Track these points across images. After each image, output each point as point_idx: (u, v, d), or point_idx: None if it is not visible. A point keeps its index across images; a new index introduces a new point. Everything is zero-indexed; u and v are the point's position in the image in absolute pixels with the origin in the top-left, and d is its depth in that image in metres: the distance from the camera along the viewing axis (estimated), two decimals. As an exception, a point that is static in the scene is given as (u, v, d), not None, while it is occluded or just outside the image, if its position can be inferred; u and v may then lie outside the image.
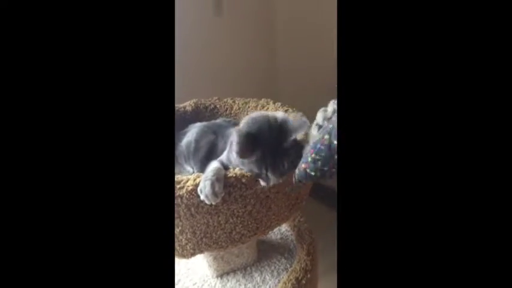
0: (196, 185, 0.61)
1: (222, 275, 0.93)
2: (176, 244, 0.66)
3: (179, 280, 0.94)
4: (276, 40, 1.52)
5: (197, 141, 0.84)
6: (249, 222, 0.66)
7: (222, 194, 0.60)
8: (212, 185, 0.58)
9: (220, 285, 0.90)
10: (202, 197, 0.59)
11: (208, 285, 0.91)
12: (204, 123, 0.91)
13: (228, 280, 0.92)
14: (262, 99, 1.02)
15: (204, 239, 0.65)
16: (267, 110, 0.99)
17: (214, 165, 0.65)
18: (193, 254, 0.67)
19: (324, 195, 1.70)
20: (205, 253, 0.89)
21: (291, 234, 1.08)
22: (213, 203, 0.59)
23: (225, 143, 0.80)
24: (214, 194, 0.58)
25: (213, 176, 0.60)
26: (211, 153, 0.78)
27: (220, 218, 0.64)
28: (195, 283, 0.92)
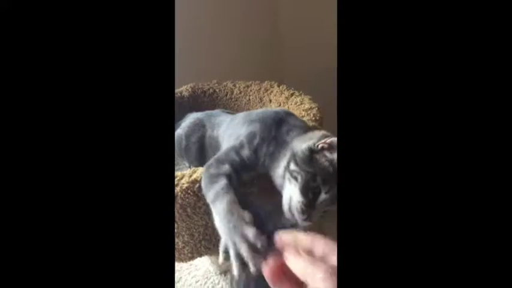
0: (193, 182, 0.54)
1: (225, 271, 0.87)
2: (172, 248, 0.60)
3: (180, 278, 0.89)
4: (279, 15, 1.41)
5: (188, 137, 0.77)
6: (253, 222, 0.59)
7: (264, 242, 0.40)
8: (251, 248, 0.40)
9: (224, 283, 0.85)
10: (232, 258, 0.43)
11: (212, 282, 0.86)
12: (198, 114, 0.83)
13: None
14: (266, 82, 0.93)
15: (203, 242, 0.59)
16: (270, 93, 0.91)
17: (223, 200, 0.47)
18: (191, 258, 0.61)
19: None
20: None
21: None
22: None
23: (213, 130, 0.73)
24: (259, 251, 0.40)
25: (244, 239, 0.42)
26: (203, 149, 0.70)
27: (220, 218, 0.57)
28: (198, 280, 0.87)
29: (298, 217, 0.49)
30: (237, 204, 0.46)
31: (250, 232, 0.41)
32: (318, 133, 0.55)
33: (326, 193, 0.49)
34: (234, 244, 0.42)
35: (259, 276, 0.38)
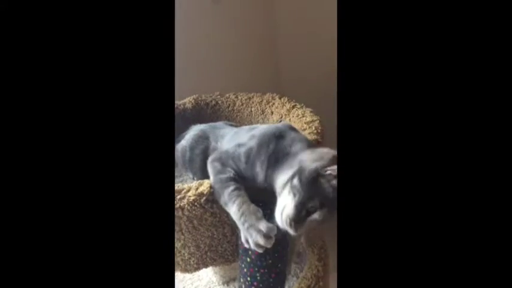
0: (199, 195, 0.55)
1: (228, 281, 0.88)
2: (178, 258, 0.61)
3: (183, 288, 0.90)
4: (278, 28, 1.44)
5: (192, 149, 0.78)
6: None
7: (275, 231, 0.51)
8: (258, 230, 0.50)
9: (226, 293, 0.86)
10: (252, 247, 0.51)
11: (215, 292, 0.87)
12: (202, 126, 0.85)
13: (235, 287, 0.87)
14: (267, 94, 0.95)
15: (208, 253, 0.60)
16: (272, 105, 0.93)
17: (235, 201, 0.53)
18: (197, 269, 0.62)
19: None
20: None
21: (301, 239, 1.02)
22: (269, 246, 0.51)
23: (217, 142, 0.74)
24: (264, 236, 0.50)
25: (249, 221, 0.51)
26: (206, 160, 0.72)
27: (226, 230, 0.58)
28: (201, 291, 0.88)
29: (285, 227, 0.51)
30: (248, 203, 0.53)
31: (263, 226, 0.50)
32: (328, 153, 0.55)
33: (320, 215, 0.51)
34: (251, 236, 0.51)
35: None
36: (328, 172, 0.51)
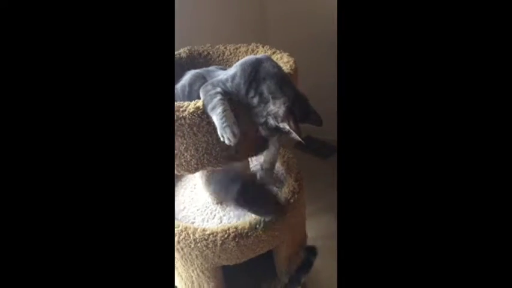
0: (197, 108, 0.72)
1: (221, 202, 1.06)
2: (182, 160, 0.78)
3: (184, 207, 1.07)
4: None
5: (190, 85, 0.93)
6: (243, 141, 0.77)
7: (239, 134, 0.70)
8: (231, 129, 0.69)
9: (220, 209, 1.04)
10: (226, 141, 0.70)
11: (210, 209, 1.05)
12: (197, 70, 1.00)
13: (227, 205, 1.05)
14: (252, 44, 1.10)
15: (205, 155, 0.77)
16: (256, 53, 1.08)
17: (219, 107, 0.71)
18: (196, 169, 0.79)
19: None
20: (206, 184, 1.02)
21: (282, 169, 1.20)
22: (233, 143, 0.70)
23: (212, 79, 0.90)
24: (234, 135, 0.69)
25: (227, 122, 0.70)
26: None
27: (217, 136, 0.75)
28: (199, 209, 1.06)
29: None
30: (229, 110, 0.70)
31: (235, 128, 0.70)
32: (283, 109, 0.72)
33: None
34: (226, 133, 0.70)
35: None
36: (287, 129, 0.71)
